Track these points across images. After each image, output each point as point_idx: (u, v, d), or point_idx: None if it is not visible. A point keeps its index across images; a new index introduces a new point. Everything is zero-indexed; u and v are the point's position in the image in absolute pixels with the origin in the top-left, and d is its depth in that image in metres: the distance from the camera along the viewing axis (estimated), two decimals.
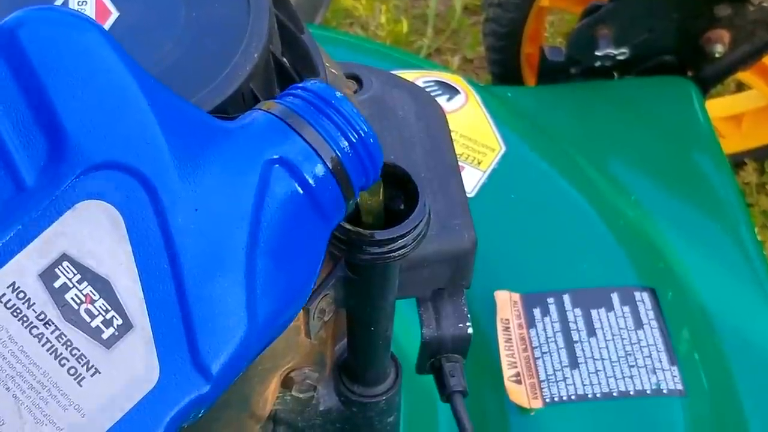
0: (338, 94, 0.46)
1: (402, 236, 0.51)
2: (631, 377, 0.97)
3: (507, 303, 1.02)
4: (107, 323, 0.41)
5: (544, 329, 1.00)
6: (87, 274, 0.41)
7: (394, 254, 0.51)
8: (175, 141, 0.42)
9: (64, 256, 0.41)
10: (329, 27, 1.85)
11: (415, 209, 0.51)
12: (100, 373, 0.41)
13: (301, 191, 0.44)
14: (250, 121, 0.45)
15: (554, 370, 0.98)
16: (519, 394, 0.96)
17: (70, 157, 0.41)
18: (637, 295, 1.03)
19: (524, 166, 1.16)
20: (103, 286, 0.41)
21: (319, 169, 0.44)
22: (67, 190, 0.41)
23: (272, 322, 0.44)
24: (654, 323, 1.01)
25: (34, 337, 0.40)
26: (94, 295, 0.41)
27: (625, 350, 0.99)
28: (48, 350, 0.40)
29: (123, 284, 0.41)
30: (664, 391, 0.97)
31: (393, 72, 0.67)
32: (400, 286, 0.57)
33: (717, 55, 1.31)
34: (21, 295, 0.40)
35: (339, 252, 0.51)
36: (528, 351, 0.99)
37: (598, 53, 1.31)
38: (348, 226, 0.50)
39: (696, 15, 1.30)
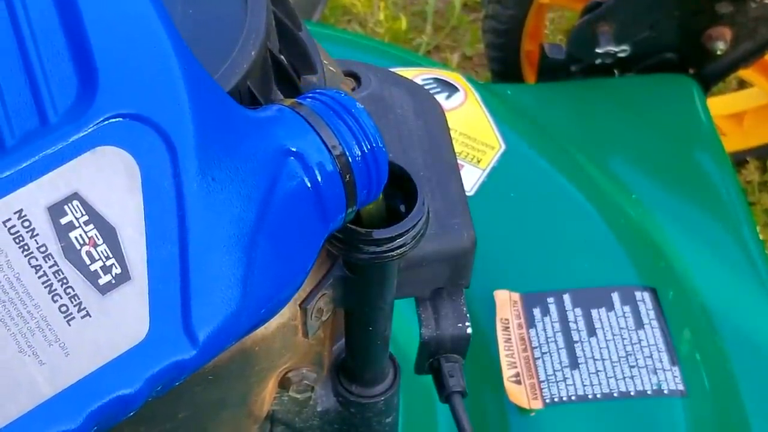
0: (359, 105, 0.48)
1: (400, 235, 0.50)
2: (632, 377, 0.97)
3: (507, 303, 1.02)
4: (106, 270, 0.41)
5: (544, 329, 1.00)
6: (95, 218, 0.41)
7: (392, 253, 0.51)
8: (201, 112, 0.43)
9: (76, 195, 0.41)
10: (327, 24, 1.85)
11: (413, 208, 0.51)
12: (90, 316, 0.41)
13: (309, 186, 0.46)
14: (273, 114, 0.47)
15: (554, 371, 0.97)
16: (519, 394, 0.96)
17: (99, 102, 0.42)
18: (638, 294, 1.03)
19: (524, 164, 1.15)
20: (108, 233, 0.41)
21: (329, 168, 0.46)
22: (90, 132, 0.41)
23: (264, 303, 0.45)
24: (655, 323, 1.01)
25: (31, 267, 0.40)
26: (98, 239, 0.41)
27: (626, 350, 0.99)
28: (43, 283, 0.41)
29: (128, 235, 0.41)
30: (665, 392, 0.96)
31: (391, 69, 0.67)
32: (399, 286, 0.56)
33: (719, 53, 1.31)
34: (26, 223, 0.41)
35: (337, 251, 0.51)
36: (528, 351, 0.98)
37: (598, 50, 1.30)
38: (347, 225, 0.50)
39: (697, 12, 1.29)
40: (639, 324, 1.01)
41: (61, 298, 0.41)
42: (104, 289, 0.41)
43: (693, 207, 1.17)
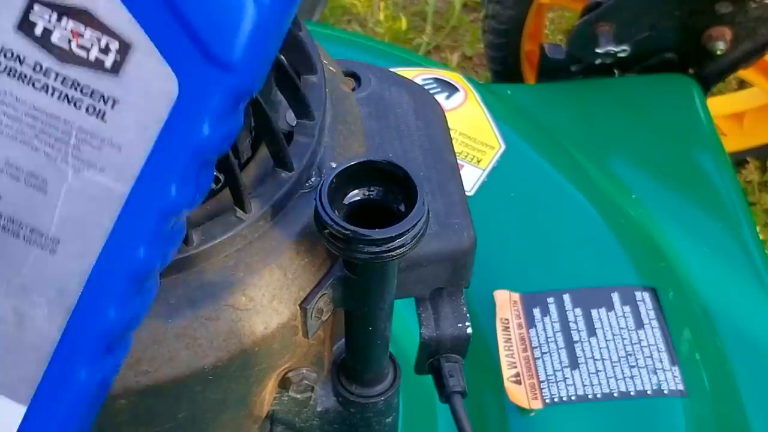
0: None
1: (400, 235, 0.50)
2: (632, 377, 0.97)
3: (506, 303, 1.01)
4: (105, 50, 0.39)
5: (544, 329, 1.00)
6: (63, 10, 0.39)
7: (392, 253, 0.50)
8: None
9: (32, 1, 0.39)
10: (327, 24, 1.85)
11: (413, 208, 0.51)
12: (118, 102, 0.39)
13: None
14: None
15: (554, 371, 0.97)
16: (519, 394, 0.96)
17: None
18: (638, 294, 1.03)
19: (524, 164, 1.15)
20: (84, 17, 0.39)
21: None
22: None
23: None
24: (655, 323, 1.01)
25: (39, 90, 0.39)
26: (80, 28, 0.39)
27: (626, 350, 0.99)
28: (59, 98, 0.39)
29: (102, 6, 0.39)
30: (665, 392, 0.96)
31: (391, 69, 0.67)
32: (399, 286, 0.56)
33: (719, 53, 1.31)
34: (8, 54, 0.39)
35: (337, 251, 0.51)
36: (528, 351, 0.98)
37: (598, 51, 1.30)
38: (346, 225, 0.50)
39: (698, 12, 1.29)
40: (639, 324, 1.01)
41: (83, 101, 0.39)
42: (115, 68, 0.39)
43: (693, 207, 1.17)
